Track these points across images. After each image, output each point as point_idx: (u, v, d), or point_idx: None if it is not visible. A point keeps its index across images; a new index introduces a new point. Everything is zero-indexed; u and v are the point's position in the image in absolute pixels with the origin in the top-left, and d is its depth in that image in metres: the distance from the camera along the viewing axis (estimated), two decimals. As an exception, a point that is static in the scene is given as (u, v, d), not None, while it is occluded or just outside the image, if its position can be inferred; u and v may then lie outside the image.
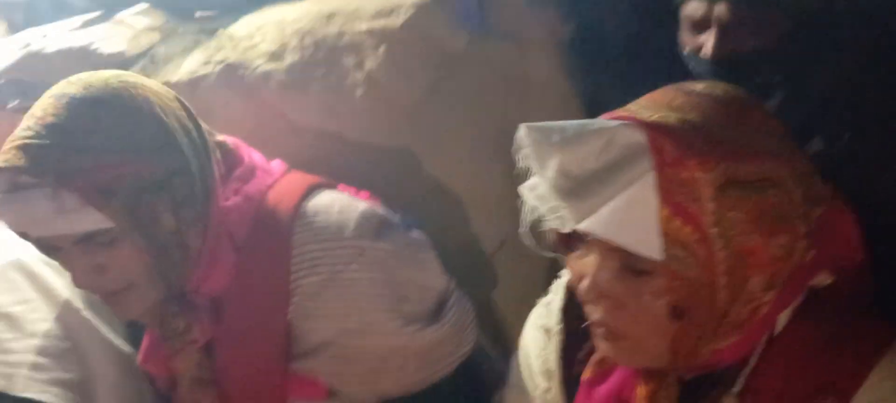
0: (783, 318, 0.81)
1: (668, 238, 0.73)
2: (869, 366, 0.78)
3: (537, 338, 0.99)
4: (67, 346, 1.10)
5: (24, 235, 1.01)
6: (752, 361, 0.81)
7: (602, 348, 0.83)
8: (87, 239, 0.97)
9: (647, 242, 0.73)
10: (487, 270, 1.28)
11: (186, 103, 1.07)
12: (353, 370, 1.05)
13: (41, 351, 1.08)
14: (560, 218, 0.73)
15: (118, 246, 0.98)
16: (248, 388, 1.06)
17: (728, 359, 0.82)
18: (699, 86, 0.81)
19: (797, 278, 0.80)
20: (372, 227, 1.06)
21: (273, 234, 1.04)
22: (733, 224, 0.73)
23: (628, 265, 0.77)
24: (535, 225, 0.78)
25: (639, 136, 0.73)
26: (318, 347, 1.05)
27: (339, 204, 1.08)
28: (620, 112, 0.78)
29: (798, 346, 0.81)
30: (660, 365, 0.82)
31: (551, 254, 0.80)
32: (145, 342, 1.09)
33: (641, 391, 0.84)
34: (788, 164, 0.77)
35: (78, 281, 1.01)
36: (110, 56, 1.35)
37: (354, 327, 1.04)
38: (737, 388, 0.82)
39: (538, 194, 0.75)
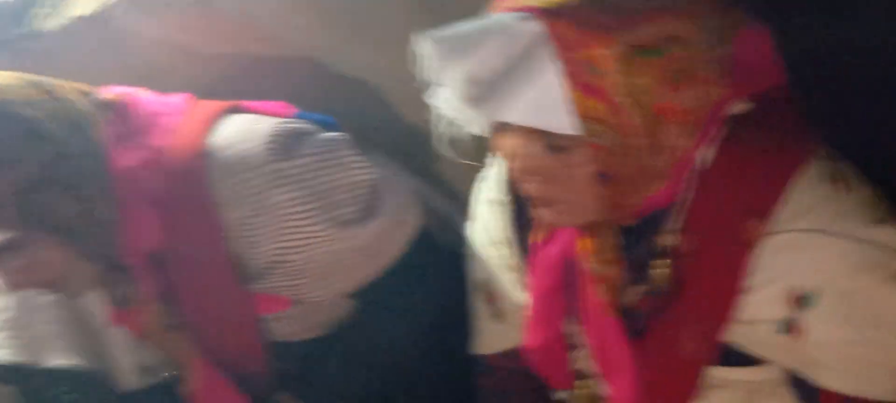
0: (707, 151, 0.85)
1: (583, 115, 0.75)
2: (785, 183, 0.83)
3: (486, 210, 1.03)
4: (74, 308, 1.16)
5: None
6: (685, 197, 0.86)
7: (541, 215, 0.88)
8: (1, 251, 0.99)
9: (564, 122, 0.76)
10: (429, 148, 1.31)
11: (48, 83, 1.04)
12: (305, 280, 1.10)
13: (56, 320, 1.15)
14: (476, 124, 0.75)
15: (32, 245, 1.00)
16: (217, 322, 1.12)
17: (660, 203, 0.86)
18: None
19: (713, 116, 0.83)
20: (282, 146, 1.06)
21: (188, 181, 1.04)
22: (642, 89, 0.76)
23: (550, 143, 0.80)
24: (453, 132, 0.80)
25: (537, 27, 0.73)
26: (266, 268, 1.09)
27: (243, 131, 1.07)
28: (516, 0, 0.77)
29: (723, 175, 0.85)
30: (596, 220, 0.87)
31: (469, 161, 0.83)
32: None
33: (584, 245, 0.90)
34: (689, 16, 0.78)
35: (12, 287, 1.04)
36: (16, 1, 1.30)
37: (293, 245, 1.07)
38: (675, 226, 0.87)
39: (450, 104, 0.77)
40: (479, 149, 0.83)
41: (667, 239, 0.87)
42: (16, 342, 1.15)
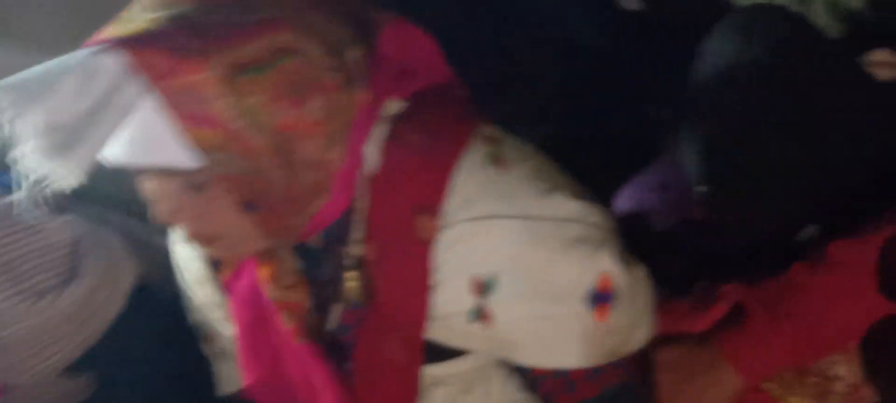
0: (373, 155, 0.82)
1: (200, 146, 0.70)
2: (448, 172, 0.81)
3: (182, 252, 0.97)
4: None
5: None
6: (361, 205, 0.83)
7: (207, 252, 0.82)
8: None
9: (182, 156, 0.71)
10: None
11: None
12: (7, 364, 0.99)
13: None
14: (68, 175, 0.68)
15: None
16: None
17: (333, 216, 0.83)
18: None
19: (360, 123, 0.80)
20: None
21: None
22: (256, 109, 0.71)
23: (184, 181, 0.74)
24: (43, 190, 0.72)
25: (121, 59, 0.67)
26: None
27: None
28: (105, 31, 0.71)
29: (390, 177, 0.82)
30: (267, 247, 0.82)
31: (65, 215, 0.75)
32: None
33: (262, 274, 0.85)
34: (300, 25, 0.74)
35: None
36: None
37: None
38: (358, 236, 0.84)
39: (34, 158, 0.69)
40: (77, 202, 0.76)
41: (353, 250, 0.84)
42: None
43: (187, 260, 0.97)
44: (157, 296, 1.12)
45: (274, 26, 0.72)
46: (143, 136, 0.70)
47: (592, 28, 1.15)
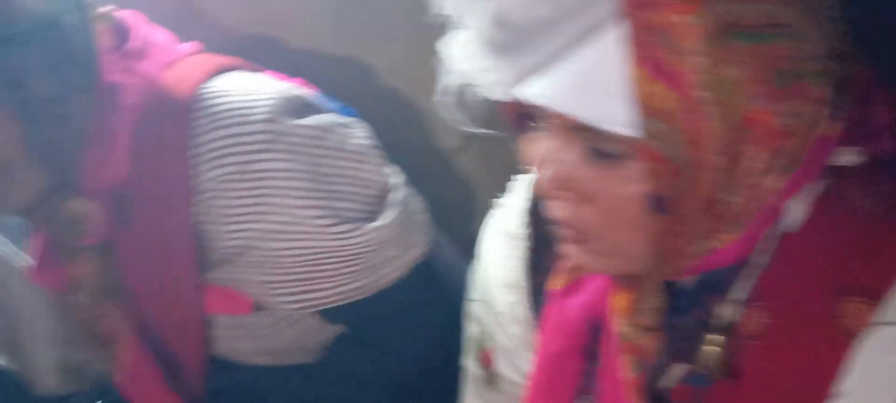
0: (798, 207, 0.64)
1: (645, 107, 0.55)
2: None
3: (498, 246, 0.82)
4: None
5: None
6: (760, 261, 0.65)
7: (569, 252, 0.67)
8: None
9: (617, 115, 0.56)
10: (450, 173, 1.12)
11: None
12: (278, 278, 0.91)
13: None
14: (494, 82, 0.55)
15: None
16: (157, 300, 0.92)
17: (726, 260, 0.65)
18: None
19: (812, 158, 0.62)
20: (289, 107, 0.89)
21: (169, 121, 0.87)
22: (731, 85, 0.55)
23: (595, 146, 0.59)
24: (465, 93, 0.59)
25: None
26: (234, 253, 0.90)
27: (250, 84, 0.91)
28: None
29: (816, 239, 0.64)
30: (640, 271, 0.65)
31: (481, 130, 0.62)
32: (35, 250, 0.94)
33: (618, 302, 0.68)
34: (804, 4, 0.58)
35: None
36: None
37: (273, 227, 0.88)
38: (740, 295, 0.65)
39: (467, 51, 0.57)
40: (491, 121, 0.63)
41: (726, 311, 0.66)
42: None
43: (500, 257, 0.82)
44: (434, 282, 1.00)
45: None
46: (577, 69, 0.56)
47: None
